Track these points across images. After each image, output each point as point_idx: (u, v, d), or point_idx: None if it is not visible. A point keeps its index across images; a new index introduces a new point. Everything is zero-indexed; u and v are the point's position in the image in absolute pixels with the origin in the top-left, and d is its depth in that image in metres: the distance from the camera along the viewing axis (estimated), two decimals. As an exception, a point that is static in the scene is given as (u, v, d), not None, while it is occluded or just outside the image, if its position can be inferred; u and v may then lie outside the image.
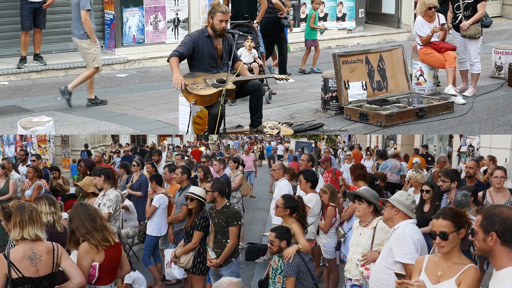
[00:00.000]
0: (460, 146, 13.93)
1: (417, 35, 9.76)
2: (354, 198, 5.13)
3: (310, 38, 12.15)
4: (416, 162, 12.26)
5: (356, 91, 8.98)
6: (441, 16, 9.66)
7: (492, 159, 9.41)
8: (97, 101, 9.60)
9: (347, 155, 15.96)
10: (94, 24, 9.33)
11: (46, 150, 16.75)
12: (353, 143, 25.00)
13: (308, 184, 6.70)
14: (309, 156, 8.77)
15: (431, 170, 11.23)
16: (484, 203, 6.52)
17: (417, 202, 6.29)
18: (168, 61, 6.97)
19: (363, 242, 4.93)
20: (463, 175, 7.98)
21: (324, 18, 14.46)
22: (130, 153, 18.04)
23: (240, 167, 10.40)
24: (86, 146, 19.08)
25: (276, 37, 11.19)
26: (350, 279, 5.00)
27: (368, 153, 15.87)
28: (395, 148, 19.60)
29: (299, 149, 19.34)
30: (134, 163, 9.59)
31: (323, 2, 13.98)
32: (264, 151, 30.51)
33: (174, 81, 6.75)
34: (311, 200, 6.53)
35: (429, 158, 14.23)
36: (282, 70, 11.11)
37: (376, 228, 4.88)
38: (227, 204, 5.81)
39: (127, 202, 8.19)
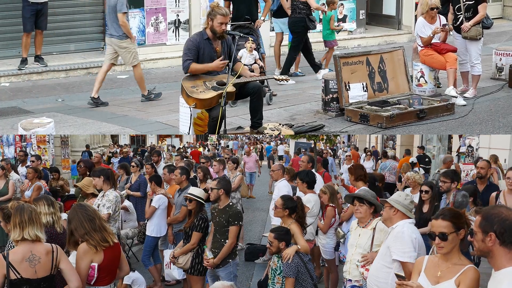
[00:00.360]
0: (460, 147, 13.92)
1: (418, 36, 9.75)
2: (352, 200, 5.12)
3: (331, 39, 12.10)
4: (412, 161, 12.25)
5: (356, 93, 8.98)
6: (442, 17, 9.66)
7: (495, 158, 9.37)
8: (98, 102, 9.61)
9: (347, 155, 15.96)
10: (130, 24, 9.88)
11: (46, 151, 16.73)
12: (351, 143, 24.98)
13: (304, 185, 6.71)
14: (309, 157, 8.75)
15: (438, 171, 11.18)
16: (496, 204, 6.14)
17: (416, 202, 6.29)
18: (188, 72, 6.93)
19: (363, 243, 4.92)
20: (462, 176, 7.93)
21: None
22: (129, 154, 18.02)
23: (240, 167, 10.40)
24: (87, 146, 19.05)
25: (298, 36, 10.97)
26: (350, 280, 4.99)
27: (369, 153, 15.87)
28: (394, 149, 19.57)
29: (303, 149, 19.31)
30: (133, 163, 9.59)
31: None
32: (264, 152, 30.39)
33: (218, 66, 6.84)
34: (310, 200, 6.54)
35: (426, 159, 14.19)
36: (285, 70, 11.04)
37: (376, 228, 4.87)
38: (230, 203, 5.82)
39: (127, 203, 8.19)
